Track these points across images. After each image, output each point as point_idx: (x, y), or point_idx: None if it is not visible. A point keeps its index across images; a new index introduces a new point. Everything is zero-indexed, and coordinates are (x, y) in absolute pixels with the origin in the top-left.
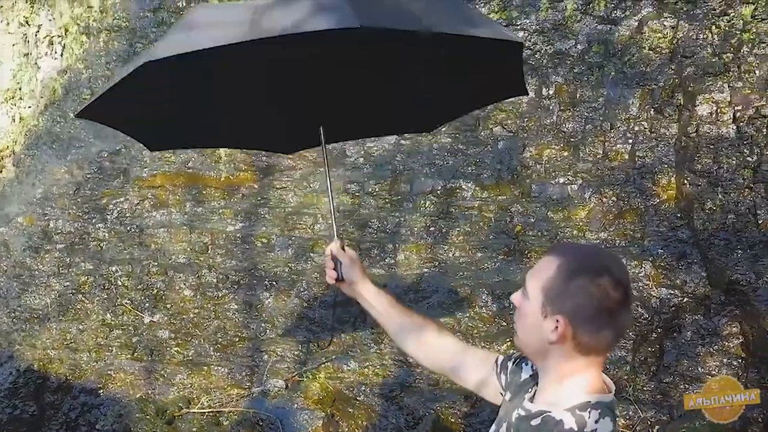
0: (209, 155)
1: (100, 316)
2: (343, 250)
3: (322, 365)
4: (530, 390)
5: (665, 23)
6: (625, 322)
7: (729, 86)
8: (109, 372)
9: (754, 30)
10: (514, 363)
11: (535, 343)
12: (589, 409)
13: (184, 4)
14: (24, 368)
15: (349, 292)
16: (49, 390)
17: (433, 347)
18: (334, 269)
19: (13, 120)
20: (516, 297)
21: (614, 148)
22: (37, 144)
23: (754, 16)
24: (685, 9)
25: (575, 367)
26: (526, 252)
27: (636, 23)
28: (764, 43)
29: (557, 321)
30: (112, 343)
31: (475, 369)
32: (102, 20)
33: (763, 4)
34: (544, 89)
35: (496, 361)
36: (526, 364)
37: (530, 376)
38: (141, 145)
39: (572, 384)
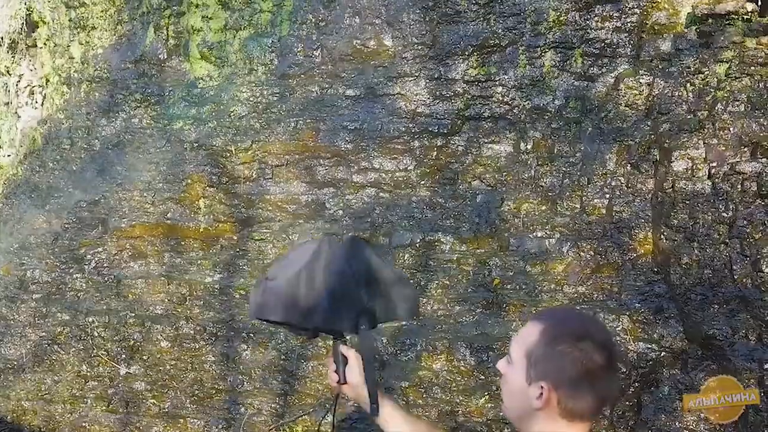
0: (188, 206)
1: (76, 367)
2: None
3: (300, 418)
4: None
5: (641, 80)
6: (611, 387)
7: (704, 143)
8: (83, 424)
9: (728, 88)
10: None
11: (520, 409)
12: None
13: (166, 56)
14: None
15: (351, 395)
16: None
17: None
18: (336, 371)
19: None
20: (501, 363)
21: (591, 202)
22: (15, 193)
23: (728, 74)
24: (660, 67)
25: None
26: (504, 305)
27: (612, 80)
28: (738, 100)
29: (542, 387)
30: (87, 395)
31: None
32: (83, 71)
33: (737, 62)
34: (522, 144)
35: None
36: None
37: None
38: (121, 195)
39: None
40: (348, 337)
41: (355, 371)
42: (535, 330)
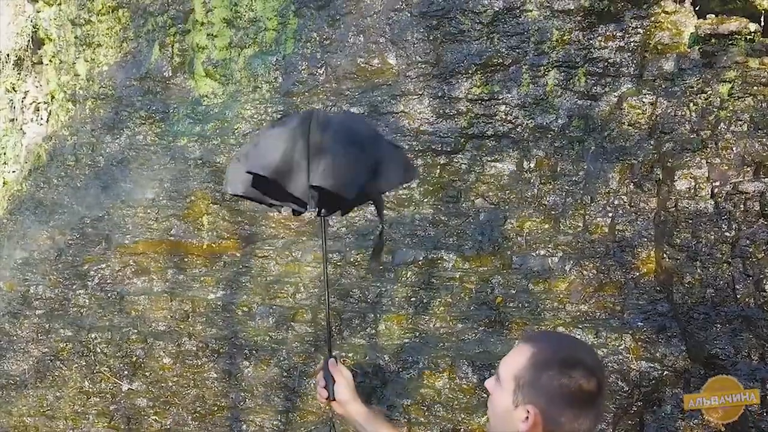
0: (192, 222)
1: (78, 383)
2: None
3: None
4: None
5: (644, 99)
6: (598, 413)
7: (707, 162)
8: None
9: (731, 108)
10: None
11: (504, 430)
12: None
13: (170, 74)
14: None
15: (339, 411)
16: None
17: None
18: (325, 388)
19: None
20: (489, 383)
21: (594, 221)
22: (20, 209)
23: (731, 94)
24: (663, 86)
25: None
26: (506, 323)
27: (616, 99)
28: (741, 120)
29: (528, 411)
30: (89, 411)
31: None
32: (88, 88)
33: (740, 82)
34: (525, 162)
35: None
36: None
37: None
38: (125, 211)
39: None
40: (336, 354)
41: (344, 388)
42: (525, 353)
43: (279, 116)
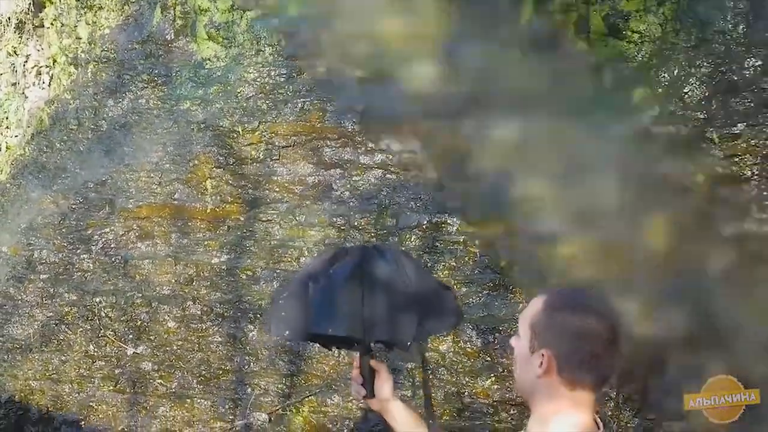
0: (195, 186)
1: (83, 347)
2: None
3: (306, 399)
4: None
5: None
6: (613, 360)
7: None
8: (91, 404)
9: None
10: None
11: (526, 380)
12: None
13: (172, 37)
14: (5, 399)
15: (376, 408)
16: (30, 422)
17: None
18: (363, 385)
19: None
20: (513, 339)
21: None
22: (22, 173)
23: None
24: None
25: (562, 404)
26: (511, 287)
27: None
28: None
29: (542, 355)
30: (94, 375)
31: None
32: (90, 51)
33: None
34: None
35: None
36: None
37: None
38: (128, 175)
39: (558, 423)
40: (374, 352)
41: (384, 386)
42: (539, 302)
43: (325, 252)
